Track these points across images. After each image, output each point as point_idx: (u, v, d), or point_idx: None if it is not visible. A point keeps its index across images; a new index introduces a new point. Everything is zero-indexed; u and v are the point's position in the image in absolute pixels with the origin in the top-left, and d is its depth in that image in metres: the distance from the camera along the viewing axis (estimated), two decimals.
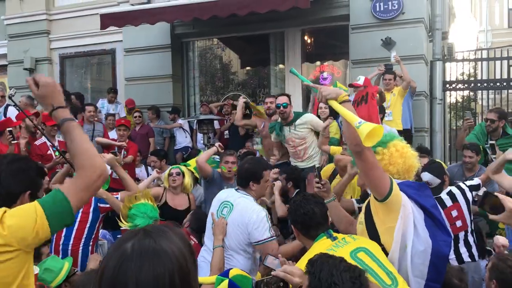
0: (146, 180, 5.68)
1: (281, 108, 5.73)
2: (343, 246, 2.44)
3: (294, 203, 2.81)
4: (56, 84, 1.99)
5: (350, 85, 6.59)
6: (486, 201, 2.36)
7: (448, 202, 4.25)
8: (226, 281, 2.57)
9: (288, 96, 5.98)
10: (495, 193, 2.37)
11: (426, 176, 4.24)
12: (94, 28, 8.66)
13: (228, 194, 3.64)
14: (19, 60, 10.06)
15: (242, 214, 3.40)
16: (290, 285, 2.05)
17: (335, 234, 2.61)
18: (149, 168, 7.14)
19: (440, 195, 4.25)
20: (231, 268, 2.78)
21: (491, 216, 2.37)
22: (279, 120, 5.87)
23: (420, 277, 2.45)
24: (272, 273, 1.98)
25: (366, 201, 2.72)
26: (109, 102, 8.98)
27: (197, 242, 4.39)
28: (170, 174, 5.27)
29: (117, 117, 8.40)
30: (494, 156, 5.74)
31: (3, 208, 1.85)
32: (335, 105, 2.47)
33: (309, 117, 5.81)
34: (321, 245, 2.49)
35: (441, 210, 2.72)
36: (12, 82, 10.14)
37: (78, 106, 8.19)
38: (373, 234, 2.55)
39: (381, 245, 2.50)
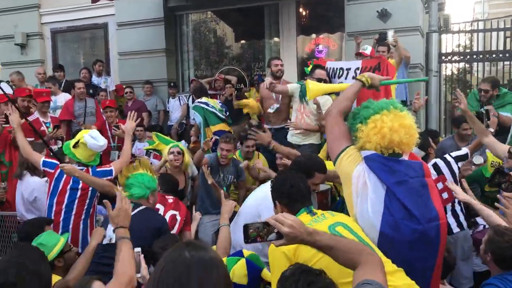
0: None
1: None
2: (321, 221, 2.47)
3: (278, 179, 2.83)
4: (127, 209, 2.54)
5: (358, 54, 6.48)
6: (496, 178, 2.38)
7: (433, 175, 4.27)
8: (243, 260, 2.56)
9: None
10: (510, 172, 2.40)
11: None
12: (86, 1, 8.50)
13: None
14: (10, 35, 9.89)
15: None
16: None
17: (314, 210, 2.65)
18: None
19: None
20: (241, 250, 2.77)
21: (505, 193, 2.39)
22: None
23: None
24: (264, 219, 1.93)
25: None
26: (97, 75, 8.87)
27: (174, 198, 4.45)
28: (171, 153, 5.21)
29: (108, 91, 8.34)
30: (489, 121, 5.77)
31: None
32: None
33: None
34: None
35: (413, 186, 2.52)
36: (3, 58, 9.97)
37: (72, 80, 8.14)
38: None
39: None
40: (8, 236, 5.23)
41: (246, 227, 1.93)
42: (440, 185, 4.21)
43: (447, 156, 4.37)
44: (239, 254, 2.67)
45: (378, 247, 2.36)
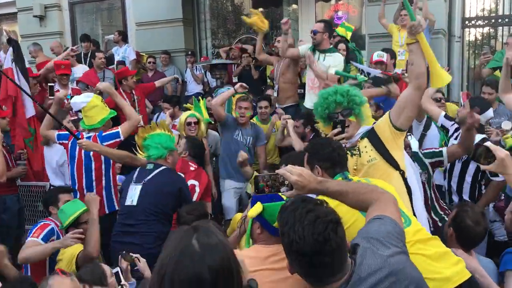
0: None
1: (312, 35, 5.53)
2: None
3: (316, 144, 2.79)
4: None
5: (375, 62, 6.18)
6: (479, 152, 2.36)
7: None
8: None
9: (327, 22, 5.75)
10: (486, 144, 2.39)
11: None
12: None
13: None
14: (29, 7, 9.91)
15: None
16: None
17: (350, 176, 2.63)
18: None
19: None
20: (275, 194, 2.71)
21: (482, 166, 2.38)
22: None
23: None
24: (277, 170, 1.98)
25: (364, 139, 2.95)
26: (114, 41, 8.82)
27: (197, 167, 4.50)
28: (188, 123, 5.21)
29: (127, 60, 8.34)
30: None
31: None
32: (422, 38, 2.74)
33: (338, 58, 5.48)
34: None
35: None
36: (22, 30, 10.07)
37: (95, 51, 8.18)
38: (394, 164, 2.84)
39: (401, 170, 2.84)
40: (35, 205, 5.39)
41: (256, 178, 1.99)
42: None
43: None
44: (277, 197, 2.46)
45: None
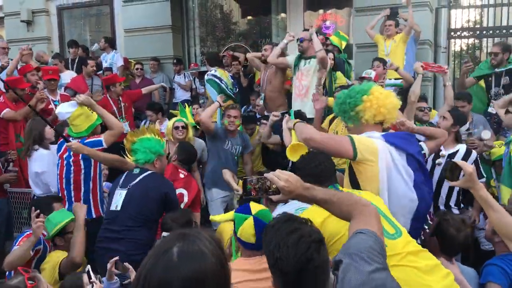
0: None
1: (298, 42, 5.95)
2: None
3: (303, 159, 2.86)
4: None
5: (362, 78, 6.28)
6: (448, 169, 2.42)
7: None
8: (250, 219, 2.42)
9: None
10: (454, 160, 2.45)
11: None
12: None
13: None
14: (16, 12, 9.85)
15: None
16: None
17: (340, 188, 2.68)
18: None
19: None
20: (248, 204, 2.62)
21: (451, 183, 2.43)
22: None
23: (406, 216, 2.82)
24: (265, 174, 1.97)
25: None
26: (101, 49, 8.78)
27: (187, 174, 4.45)
28: (175, 128, 5.24)
29: (115, 66, 8.31)
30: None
31: None
32: (293, 133, 3.13)
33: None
34: None
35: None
36: (9, 35, 9.99)
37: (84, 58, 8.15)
38: (355, 184, 2.79)
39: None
40: (19, 212, 5.34)
41: (245, 181, 1.99)
42: None
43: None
44: (247, 210, 2.51)
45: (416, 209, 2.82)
